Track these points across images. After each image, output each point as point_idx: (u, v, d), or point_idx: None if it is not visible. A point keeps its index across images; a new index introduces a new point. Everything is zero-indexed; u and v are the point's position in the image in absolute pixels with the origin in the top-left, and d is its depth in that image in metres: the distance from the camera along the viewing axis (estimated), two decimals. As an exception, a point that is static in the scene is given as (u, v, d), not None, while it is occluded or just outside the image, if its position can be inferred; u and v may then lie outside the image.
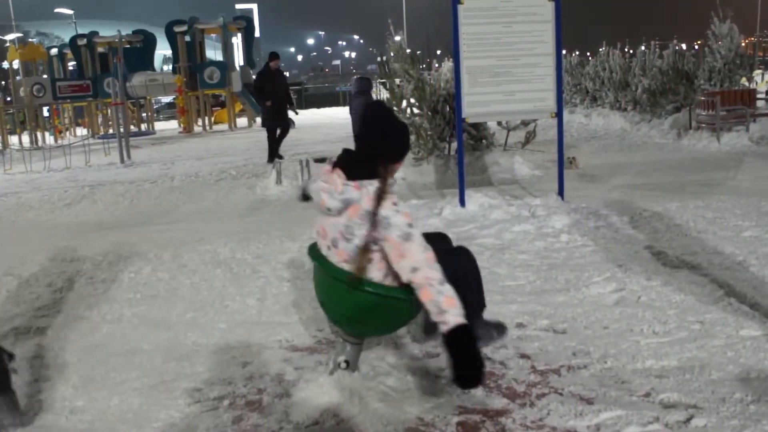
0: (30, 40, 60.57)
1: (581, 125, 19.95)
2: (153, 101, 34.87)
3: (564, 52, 12.47)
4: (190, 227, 8.40)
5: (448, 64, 16.91)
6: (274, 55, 15.05)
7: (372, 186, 3.32)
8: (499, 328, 4.02)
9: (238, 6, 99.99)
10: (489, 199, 7.88)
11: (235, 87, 28.44)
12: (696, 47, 30.34)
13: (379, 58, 12.86)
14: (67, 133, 29.54)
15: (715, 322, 4.27)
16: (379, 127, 3.44)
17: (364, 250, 3.29)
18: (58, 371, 4.11)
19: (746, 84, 16.41)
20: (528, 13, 7.48)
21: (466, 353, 3.16)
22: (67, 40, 34.77)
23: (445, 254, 3.46)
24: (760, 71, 21.93)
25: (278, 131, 14.72)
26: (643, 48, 20.28)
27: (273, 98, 14.36)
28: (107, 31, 33.50)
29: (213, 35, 33.18)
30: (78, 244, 7.74)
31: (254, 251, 6.81)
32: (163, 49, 38.03)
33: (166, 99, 41.01)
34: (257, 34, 46.38)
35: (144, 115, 32.56)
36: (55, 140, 25.54)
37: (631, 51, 24.49)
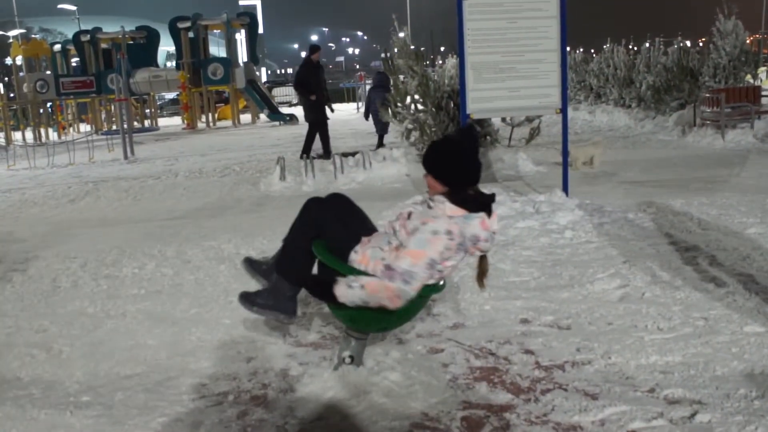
0: (33, 36, 60.61)
1: (585, 122, 19.92)
2: (156, 97, 34.89)
3: (568, 48, 12.47)
4: (194, 223, 8.41)
5: (452, 60, 16.88)
6: (315, 48, 14.38)
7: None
8: (288, 312, 3.90)
9: (241, 2, 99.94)
10: (493, 196, 7.86)
11: (238, 83, 28.43)
12: (701, 44, 30.26)
13: (383, 55, 12.86)
14: (71, 129, 29.56)
15: (719, 319, 4.27)
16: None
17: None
18: (63, 367, 4.12)
19: (751, 81, 16.36)
20: (533, 8, 7.46)
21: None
22: (70, 36, 34.81)
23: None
24: (765, 68, 21.86)
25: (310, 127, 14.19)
26: (647, 45, 20.21)
27: (318, 92, 13.84)
28: (110, 27, 33.52)
29: (216, 31, 33.18)
30: (82, 240, 7.75)
31: (258, 247, 6.81)
32: (166, 46, 38.10)
33: (170, 95, 41.01)
34: (261, 30, 46.29)
35: (147, 111, 32.58)
36: (59, 136, 25.55)
37: (635, 48, 24.44)
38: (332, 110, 15.64)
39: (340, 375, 3.60)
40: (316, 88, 13.82)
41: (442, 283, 3.57)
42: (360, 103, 33.37)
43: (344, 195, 3.93)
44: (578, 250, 6.08)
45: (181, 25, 29.25)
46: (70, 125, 30.15)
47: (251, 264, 4.18)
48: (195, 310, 5.07)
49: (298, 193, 10.04)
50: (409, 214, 3.53)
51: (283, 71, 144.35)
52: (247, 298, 3.91)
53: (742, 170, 9.87)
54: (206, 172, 13.31)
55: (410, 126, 11.69)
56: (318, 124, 14.05)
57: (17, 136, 24.15)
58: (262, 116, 29.27)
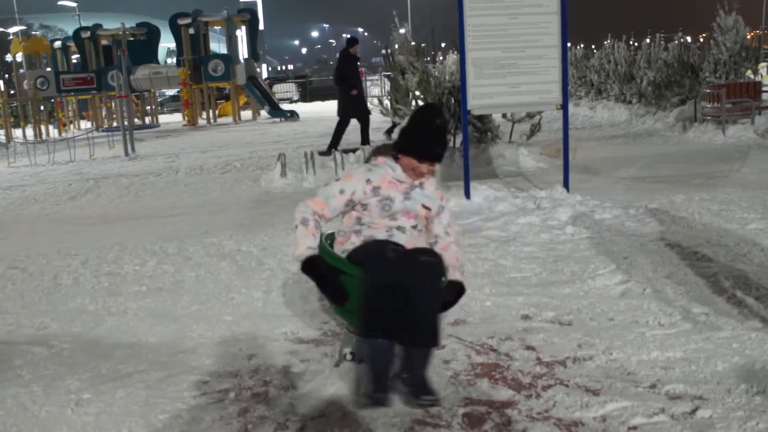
0: (33, 33, 60.62)
1: (586, 118, 19.90)
2: (157, 94, 34.87)
3: (569, 44, 12.44)
4: (195, 220, 8.41)
5: (452, 57, 16.84)
6: (353, 40, 14.13)
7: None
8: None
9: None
10: (494, 192, 7.88)
11: (239, 80, 28.40)
12: (701, 40, 30.22)
13: (384, 51, 12.84)
14: (71, 126, 29.54)
15: (720, 314, 4.27)
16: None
17: None
18: (64, 364, 4.12)
19: (752, 77, 16.34)
20: (533, 4, 7.46)
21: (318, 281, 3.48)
22: (70, 32, 34.73)
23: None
24: (765, 64, 21.84)
25: (344, 121, 14.05)
26: (648, 41, 20.19)
27: (358, 86, 13.69)
28: (111, 24, 33.49)
29: (217, 28, 33.18)
30: (83, 237, 7.76)
31: (259, 243, 6.82)
32: (167, 42, 38.00)
33: (170, 92, 40.99)
34: (261, 26, 46.28)
35: (148, 108, 32.55)
36: (59, 133, 25.55)
37: (636, 44, 24.41)
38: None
39: (341, 372, 3.60)
40: (356, 81, 13.76)
41: (443, 278, 3.57)
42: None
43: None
44: (579, 245, 6.08)
45: (181, 21, 29.22)
46: (71, 122, 30.13)
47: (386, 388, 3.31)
48: (196, 307, 5.07)
49: (299, 190, 10.04)
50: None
51: (283, 68, 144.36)
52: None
53: (742, 166, 9.86)
54: (207, 169, 13.30)
55: (411, 122, 11.67)
56: (360, 118, 13.99)
57: (18, 133, 24.16)
58: (263, 113, 29.24)
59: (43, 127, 25.34)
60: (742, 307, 4.37)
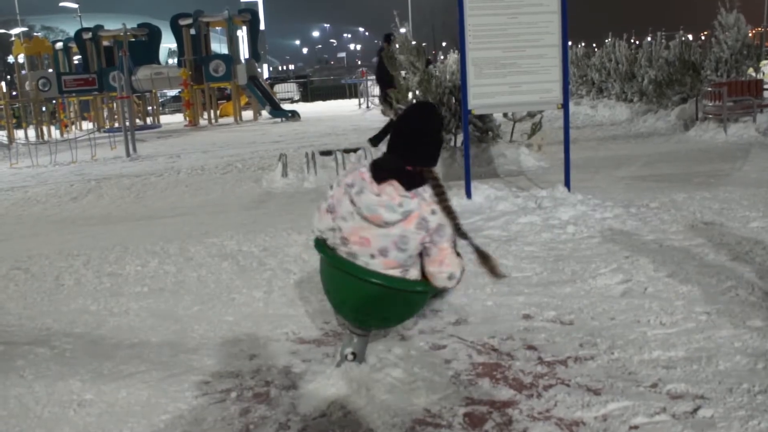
0: (35, 34, 60.68)
1: (587, 116, 19.88)
2: (158, 94, 34.87)
3: (570, 43, 12.44)
4: (197, 220, 8.42)
5: (453, 56, 16.84)
6: (391, 37, 13.54)
7: (426, 193, 3.39)
8: None
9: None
10: (495, 191, 7.88)
11: (240, 80, 28.39)
12: (703, 38, 30.20)
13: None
14: (73, 127, 29.56)
15: (722, 313, 4.27)
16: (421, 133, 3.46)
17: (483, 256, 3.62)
18: (66, 364, 4.12)
19: (753, 75, 16.32)
20: (534, 3, 7.45)
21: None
22: (72, 34, 34.78)
23: None
24: (767, 62, 21.81)
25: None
26: (649, 39, 20.16)
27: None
28: (112, 25, 33.48)
29: (218, 28, 33.16)
30: (84, 238, 7.77)
31: (261, 244, 6.82)
32: (168, 43, 38.05)
33: (172, 92, 40.99)
34: (262, 26, 46.27)
35: (149, 108, 32.56)
36: (61, 134, 25.57)
37: (637, 42, 24.37)
38: None
39: (342, 372, 3.60)
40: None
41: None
42: (362, 99, 33.34)
43: None
44: (580, 245, 6.08)
45: (182, 22, 29.23)
46: (73, 123, 30.15)
47: None
48: (198, 308, 5.08)
49: (300, 190, 10.05)
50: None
51: (284, 67, 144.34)
52: None
53: (744, 164, 9.85)
54: (208, 169, 13.31)
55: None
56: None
57: (20, 134, 24.18)
58: (264, 113, 29.24)
59: (44, 128, 25.35)
60: (743, 306, 4.37)
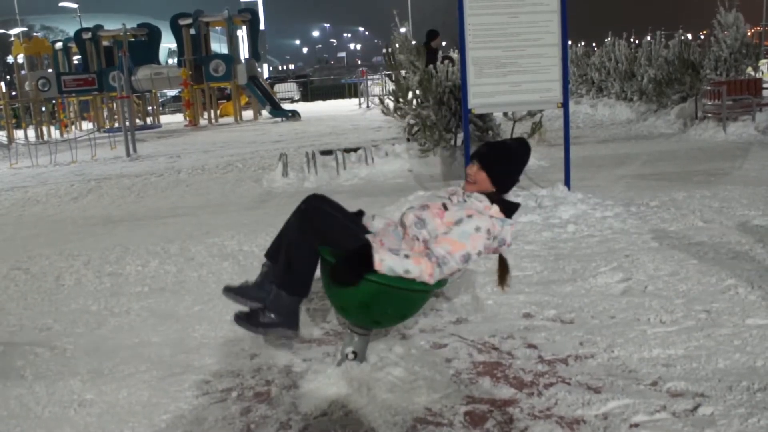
0: (35, 34, 60.66)
1: (587, 116, 19.90)
2: (158, 94, 34.89)
3: (570, 42, 12.43)
4: (197, 220, 8.43)
5: (454, 56, 16.82)
6: (434, 33, 13.67)
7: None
8: (293, 327, 3.71)
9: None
10: (495, 190, 7.86)
11: (240, 80, 28.42)
12: (702, 37, 30.18)
13: (384, 50, 12.84)
14: (73, 127, 29.58)
15: (721, 311, 4.27)
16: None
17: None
18: (67, 365, 4.13)
19: (752, 73, 16.33)
20: (534, 3, 7.45)
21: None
22: (71, 33, 34.78)
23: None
24: (766, 61, 21.81)
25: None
26: (648, 38, 20.17)
27: None
28: (112, 25, 33.53)
29: (218, 28, 33.19)
30: (85, 238, 7.77)
31: (261, 244, 6.82)
32: (168, 43, 38.07)
33: (172, 92, 41.03)
34: (262, 26, 46.29)
35: (149, 108, 32.59)
36: (61, 134, 25.58)
37: (636, 41, 24.38)
38: None
39: (343, 371, 3.60)
40: None
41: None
42: (362, 99, 33.35)
43: (323, 195, 3.89)
44: (581, 244, 6.08)
45: (182, 21, 29.26)
46: (72, 123, 30.18)
47: (236, 291, 3.92)
48: (198, 307, 5.08)
49: (301, 190, 10.05)
50: (445, 206, 3.61)
51: (284, 67, 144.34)
52: (247, 320, 3.74)
53: (744, 162, 9.86)
54: (209, 169, 13.32)
55: (412, 121, 11.68)
56: None
57: (19, 134, 24.19)
58: (264, 113, 29.28)
59: (44, 128, 25.36)
60: (743, 304, 4.37)
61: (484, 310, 4.63)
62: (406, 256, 3.37)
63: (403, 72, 11.84)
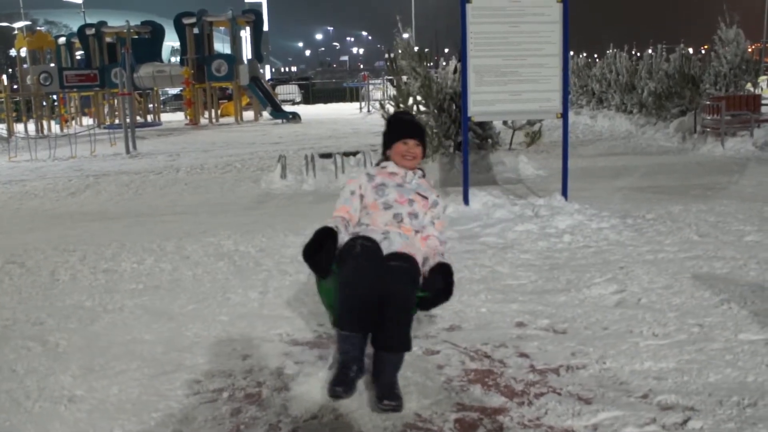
0: (38, 28, 60.54)
1: (587, 127, 19.93)
2: (160, 92, 34.90)
3: (571, 53, 12.44)
4: (194, 219, 8.43)
5: (455, 63, 16.85)
6: None
7: None
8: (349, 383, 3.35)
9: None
10: (493, 198, 7.89)
11: (242, 80, 28.45)
12: (703, 51, 30.24)
13: (386, 55, 12.86)
14: (73, 122, 29.57)
15: (714, 326, 4.28)
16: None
17: None
18: (58, 360, 4.13)
19: (751, 89, 16.38)
20: (536, 13, 7.48)
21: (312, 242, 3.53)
22: (75, 29, 34.79)
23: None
24: (765, 77, 21.88)
25: None
26: (650, 51, 20.23)
27: None
28: (116, 22, 33.54)
29: (221, 28, 33.23)
30: (81, 234, 7.77)
31: (258, 244, 6.83)
32: (171, 41, 38.07)
33: (173, 90, 41.04)
34: (266, 27, 46.33)
35: (150, 106, 32.60)
36: (61, 129, 25.57)
37: (638, 54, 24.43)
38: None
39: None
40: None
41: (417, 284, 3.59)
42: (363, 103, 33.37)
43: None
44: (576, 254, 6.09)
45: (186, 20, 29.29)
46: (73, 118, 30.17)
47: (349, 387, 3.38)
48: (192, 306, 5.08)
49: (299, 192, 10.07)
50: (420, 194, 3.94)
51: (286, 69, 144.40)
52: (396, 400, 3.35)
53: (740, 178, 9.88)
54: (208, 168, 13.33)
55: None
56: None
57: (19, 127, 24.17)
58: (265, 114, 29.29)
59: (44, 123, 25.34)
60: (736, 319, 4.38)
61: (478, 318, 4.63)
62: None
63: (404, 77, 11.86)
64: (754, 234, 6.47)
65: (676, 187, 9.37)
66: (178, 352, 4.20)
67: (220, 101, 33.23)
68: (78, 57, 34.19)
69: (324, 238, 3.50)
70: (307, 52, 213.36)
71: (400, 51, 11.79)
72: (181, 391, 3.66)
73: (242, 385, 3.73)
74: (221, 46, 43.16)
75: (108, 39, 31.01)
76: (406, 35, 11.50)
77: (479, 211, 7.60)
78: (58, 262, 6.44)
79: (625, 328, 4.33)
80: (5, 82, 25.65)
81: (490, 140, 11.45)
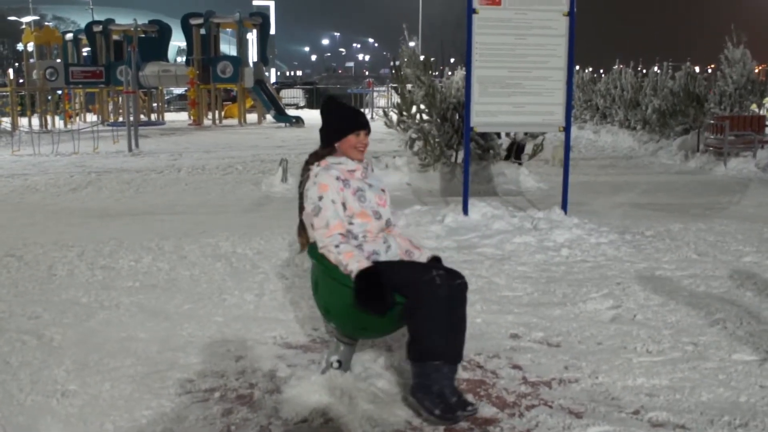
0: (46, 23, 60.75)
1: (589, 141, 19.96)
2: (164, 92, 34.96)
3: (577, 67, 12.46)
4: (194, 219, 8.44)
5: (460, 73, 16.89)
6: None
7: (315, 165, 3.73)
8: (458, 405, 3.31)
9: (255, 2, 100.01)
10: (492, 209, 7.90)
11: (247, 83, 28.50)
12: (709, 70, 30.32)
13: (392, 63, 12.89)
14: (77, 118, 29.62)
15: (708, 345, 4.28)
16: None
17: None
18: (53, 354, 4.13)
19: (756, 110, 16.40)
20: (542, 26, 7.49)
21: (370, 290, 3.34)
22: (83, 25, 34.88)
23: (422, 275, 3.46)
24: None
25: None
26: (656, 68, 20.27)
27: None
28: (123, 19, 33.65)
29: (228, 30, 33.33)
30: (81, 230, 7.78)
31: (255, 247, 6.84)
32: (177, 41, 38.18)
33: (178, 90, 41.09)
34: (272, 31, 46.44)
35: (155, 105, 32.65)
36: (65, 125, 25.61)
37: (643, 70, 24.50)
38: None
39: (327, 379, 3.60)
40: None
41: None
42: (367, 110, 33.39)
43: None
44: (573, 268, 6.10)
45: (193, 21, 29.37)
46: (77, 114, 30.22)
47: (470, 409, 3.36)
48: (188, 306, 5.09)
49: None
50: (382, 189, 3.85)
51: (292, 73, 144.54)
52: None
53: (742, 198, 9.89)
54: (209, 169, 13.34)
55: (414, 135, 11.71)
56: None
57: (23, 122, 24.21)
58: (269, 117, 29.33)
59: (49, 118, 25.38)
60: (731, 339, 4.38)
61: (472, 328, 4.63)
62: None
63: (408, 86, 11.88)
64: (752, 255, 6.47)
65: (676, 205, 9.38)
66: (172, 351, 4.20)
67: (224, 103, 33.29)
68: (84, 53, 34.25)
69: (377, 280, 3.35)
70: (313, 57, 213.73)
71: (405, 59, 11.82)
72: (174, 390, 3.67)
73: (234, 386, 3.74)
74: (227, 47, 43.30)
75: (115, 36, 31.10)
76: (412, 43, 11.52)
77: (478, 222, 7.60)
78: (56, 257, 6.45)
79: (619, 344, 4.33)
80: (11, 77, 25.70)
81: (491, 151, 11.47)
